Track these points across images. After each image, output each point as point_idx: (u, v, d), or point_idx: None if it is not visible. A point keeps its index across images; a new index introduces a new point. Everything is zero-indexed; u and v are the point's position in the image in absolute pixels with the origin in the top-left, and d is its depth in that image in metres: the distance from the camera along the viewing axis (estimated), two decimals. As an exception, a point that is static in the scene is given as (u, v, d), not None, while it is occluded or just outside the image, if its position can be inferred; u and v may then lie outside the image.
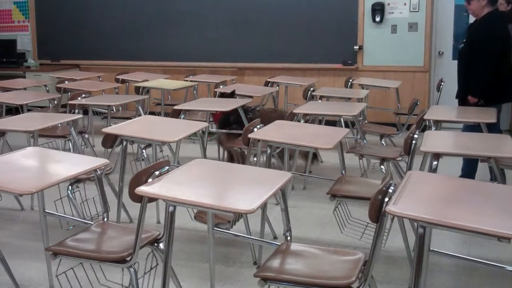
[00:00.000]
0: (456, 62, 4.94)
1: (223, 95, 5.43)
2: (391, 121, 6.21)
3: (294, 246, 2.52)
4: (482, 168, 4.75)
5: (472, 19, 4.91)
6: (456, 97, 4.84)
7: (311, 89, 5.82)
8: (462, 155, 3.82)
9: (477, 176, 4.69)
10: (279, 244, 2.56)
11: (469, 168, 4.58)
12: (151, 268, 2.70)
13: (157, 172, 2.47)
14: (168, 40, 8.27)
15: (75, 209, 3.39)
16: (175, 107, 4.54)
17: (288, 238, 2.59)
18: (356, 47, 7.44)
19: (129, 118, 4.67)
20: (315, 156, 4.99)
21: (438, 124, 4.15)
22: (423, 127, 4.10)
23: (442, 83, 6.02)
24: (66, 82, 6.55)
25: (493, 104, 4.53)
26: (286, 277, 2.23)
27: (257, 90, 5.96)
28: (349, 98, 5.62)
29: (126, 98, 5.97)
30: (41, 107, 6.43)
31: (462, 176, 4.51)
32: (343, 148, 3.79)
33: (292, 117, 4.35)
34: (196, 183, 2.46)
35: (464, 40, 4.78)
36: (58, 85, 6.34)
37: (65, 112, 5.50)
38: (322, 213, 4.23)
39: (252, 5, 7.83)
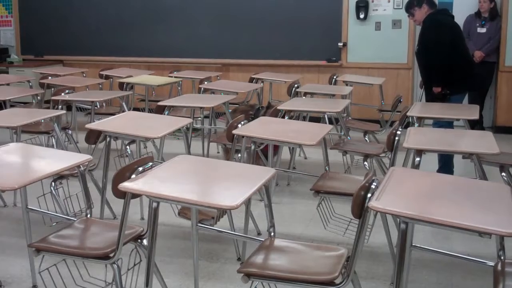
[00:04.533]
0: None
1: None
2: (374, 118, 6.24)
3: (277, 242, 2.53)
4: (464, 165, 4.79)
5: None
6: (421, 87, 4.97)
7: (296, 85, 5.84)
8: (444, 151, 3.85)
9: (458, 173, 4.73)
10: (263, 240, 2.57)
11: (445, 164, 4.63)
12: (135, 265, 2.70)
13: (140, 168, 2.46)
14: (152, 36, 8.22)
15: (58, 205, 3.37)
16: (159, 103, 4.53)
17: (272, 234, 2.60)
18: (340, 44, 7.46)
19: (113, 114, 4.64)
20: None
21: (421, 120, 4.18)
22: (406, 123, 4.13)
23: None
24: (50, 77, 6.49)
25: (458, 93, 4.72)
26: (269, 272, 2.24)
27: (242, 87, 5.96)
28: (333, 95, 5.64)
29: (110, 94, 5.93)
30: (24, 103, 6.37)
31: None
32: (327, 145, 3.81)
33: (276, 113, 4.36)
34: (180, 179, 2.46)
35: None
36: (42, 81, 6.28)
37: (48, 108, 5.46)
38: (306, 209, 4.25)
39: (237, 1, 7.82)
